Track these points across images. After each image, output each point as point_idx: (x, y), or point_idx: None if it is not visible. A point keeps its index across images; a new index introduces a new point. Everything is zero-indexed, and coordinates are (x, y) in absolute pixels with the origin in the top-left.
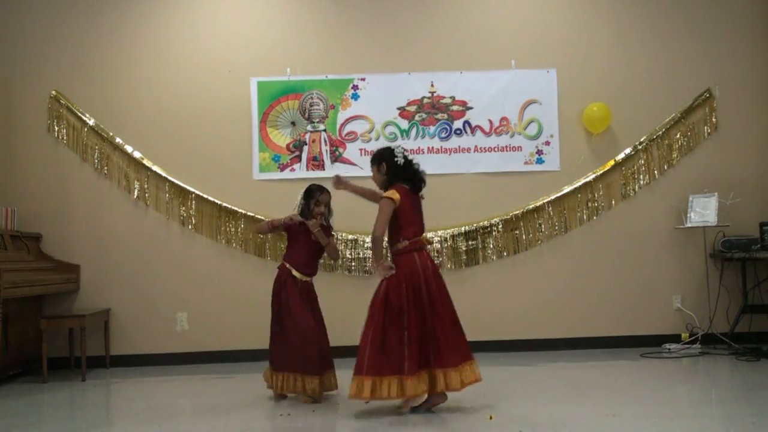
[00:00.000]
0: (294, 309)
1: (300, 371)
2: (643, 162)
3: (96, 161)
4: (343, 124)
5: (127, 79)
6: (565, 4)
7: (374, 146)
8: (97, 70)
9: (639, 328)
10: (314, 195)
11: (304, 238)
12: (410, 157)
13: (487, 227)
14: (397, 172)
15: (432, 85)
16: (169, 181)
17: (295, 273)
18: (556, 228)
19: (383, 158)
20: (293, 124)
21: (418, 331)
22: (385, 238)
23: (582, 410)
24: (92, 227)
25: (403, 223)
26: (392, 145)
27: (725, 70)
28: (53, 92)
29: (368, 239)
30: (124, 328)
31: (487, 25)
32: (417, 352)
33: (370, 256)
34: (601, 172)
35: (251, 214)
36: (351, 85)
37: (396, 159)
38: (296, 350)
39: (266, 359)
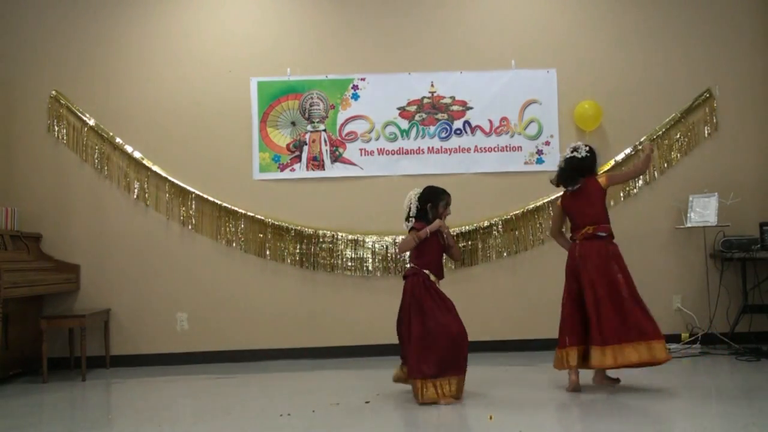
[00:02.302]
0: (438, 313)
1: (452, 373)
2: None
3: (96, 161)
4: (343, 124)
5: (127, 79)
6: (565, 4)
7: (374, 146)
8: (97, 69)
9: None
10: (443, 197)
11: (433, 241)
12: (569, 155)
13: (487, 227)
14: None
15: (432, 85)
16: (169, 181)
17: (432, 278)
18: None
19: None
20: (293, 124)
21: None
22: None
23: (582, 410)
24: (92, 227)
25: (570, 222)
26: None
27: (725, 70)
28: (53, 92)
29: (368, 240)
30: (124, 328)
31: (487, 25)
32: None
33: (371, 256)
34: (601, 172)
35: (251, 214)
36: (351, 85)
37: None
38: (447, 351)
39: (266, 359)
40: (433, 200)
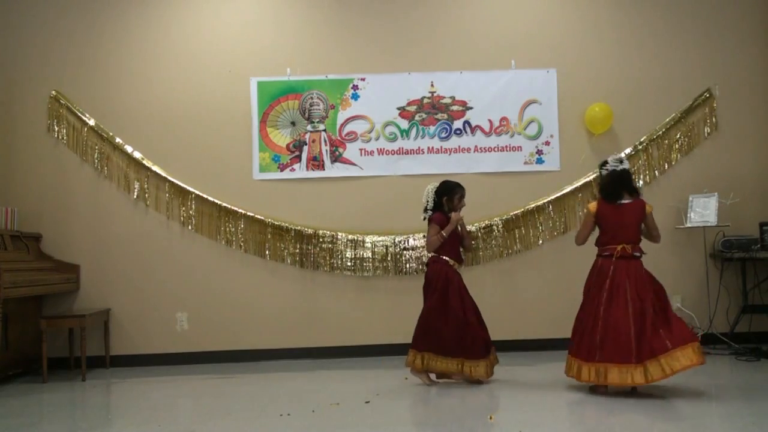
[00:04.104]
0: (465, 296)
1: (467, 356)
2: (643, 162)
3: (96, 161)
4: (343, 124)
5: (128, 79)
6: (565, 4)
7: (374, 146)
8: (97, 70)
9: None
10: (458, 191)
11: (452, 232)
12: (619, 168)
13: (487, 227)
14: (602, 184)
15: (432, 85)
16: (169, 181)
17: (452, 263)
18: (556, 228)
19: (600, 169)
20: (293, 124)
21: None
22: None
23: (582, 410)
24: (92, 227)
25: (600, 231)
26: (610, 157)
27: (725, 70)
28: (53, 92)
29: (368, 240)
30: (124, 328)
31: (487, 25)
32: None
33: (371, 256)
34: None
35: (251, 214)
36: (351, 85)
37: (602, 171)
38: (467, 335)
39: (266, 359)
40: (448, 194)
